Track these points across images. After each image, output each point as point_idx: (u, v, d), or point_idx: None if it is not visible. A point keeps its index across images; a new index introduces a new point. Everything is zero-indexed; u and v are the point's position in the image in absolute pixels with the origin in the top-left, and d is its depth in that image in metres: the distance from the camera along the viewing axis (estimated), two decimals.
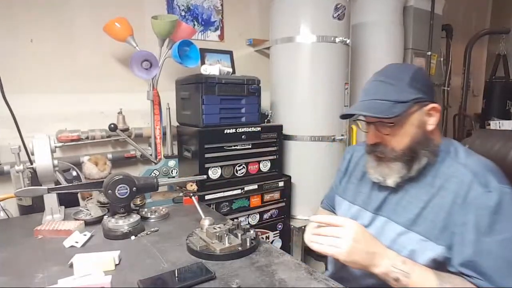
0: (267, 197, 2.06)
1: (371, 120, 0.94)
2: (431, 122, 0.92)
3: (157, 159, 1.85)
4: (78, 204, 1.58)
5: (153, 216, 1.31)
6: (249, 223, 2.00)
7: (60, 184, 1.35)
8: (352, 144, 2.43)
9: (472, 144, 1.26)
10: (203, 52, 2.23)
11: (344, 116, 0.99)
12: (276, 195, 2.10)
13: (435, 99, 0.94)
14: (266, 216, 2.08)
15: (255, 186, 2.00)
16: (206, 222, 1.12)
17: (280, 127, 2.10)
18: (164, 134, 1.91)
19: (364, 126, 0.99)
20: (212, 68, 1.95)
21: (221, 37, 2.46)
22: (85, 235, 1.11)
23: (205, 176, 1.72)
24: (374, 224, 0.99)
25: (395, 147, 0.92)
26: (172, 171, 1.60)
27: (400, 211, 0.94)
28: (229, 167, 1.92)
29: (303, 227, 2.17)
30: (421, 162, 0.91)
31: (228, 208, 1.92)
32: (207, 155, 1.84)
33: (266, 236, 2.09)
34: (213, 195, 1.85)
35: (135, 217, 1.19)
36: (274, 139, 2.07)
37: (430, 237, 0.87)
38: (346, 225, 0.86)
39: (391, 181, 0.94)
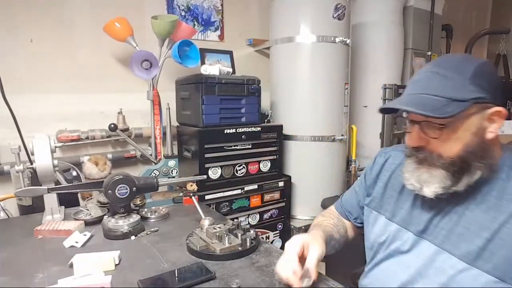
0: (267, 197, 2.06)
1: (417, 118, 0.75)
2: (492, 129, 0.73)
3: (157, 159, 1.85)
4: (78, 204, 1.58)
5: (153, 216, 1.31)
6: (249, 223, 2.00)
7: (60, 184, 1.35)
8: (352, 144, 2.43)
9: None
10: (203, 52, 2.23)
11: (384, 110, 0.82)
12: (276, 195, 2.10)
13: (502, 101, 0.76)
14: (266, 216, 2.08)
15: (255, 186, 2.00)
16: (206, 222, 1.12)
17: (280, 127, 2.10)
18: (164, 134, 1.91)
19: (407, 125, 0.81)
20: (212, 68, 1.95)
21: (221, 37, 2.46)
22: (85, 235, 1.10)
23: (205, 176, 1.72)
24: (418, 250, 0.81)
25: (443, 154, 0.74)
26: (172, 171, 1.60)
27: (455, 239, 0.75)
28: (229, 167, 1.92)
29: (303, 227, 2.17)
30: (473, 176, 0.73)
31: (228, 208, 1.92)
32: (207, 155, 1.84)
33: (266, 236, 2.09)
34: (213, 195, 1.85)
35: (135, 217, 1.18)
36: (274, 139, 2.07)
37: (506, 279, 0.68)
38: None
39: (429, 191, 0.75)
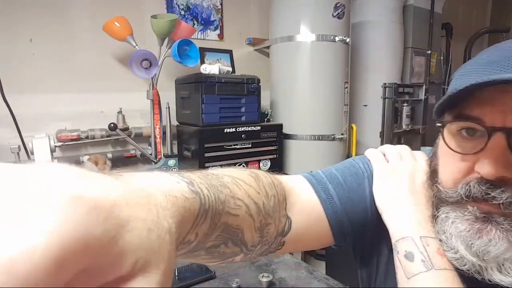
0: None
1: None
2: None
3: (157, 159, 1.85)
4: None
5: None
6: None
7: None
8: (352, 143, 2.43)
9: None
10: (203, 51, 2.22)
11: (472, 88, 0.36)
12: None
13: None
14: None
15: None
16: None
17: (280, 126, 2.10)
18: (164, 133, 1.91)
19: (468, 134, 0.41)
20: (212, 67, 1.95)
21: (221, 36, 2.46)
22: None
23: None
24: None
25: None
26: (172, 170, 1.60)
27: None
28: (229, 166, 1.92)
29: None
30: None
31: None
32: (207, 154, 1.84)
33: None
34: None
35: None
36: (274, 138, 2.07)
37: None
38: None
39: (503, 275, 0.39)
